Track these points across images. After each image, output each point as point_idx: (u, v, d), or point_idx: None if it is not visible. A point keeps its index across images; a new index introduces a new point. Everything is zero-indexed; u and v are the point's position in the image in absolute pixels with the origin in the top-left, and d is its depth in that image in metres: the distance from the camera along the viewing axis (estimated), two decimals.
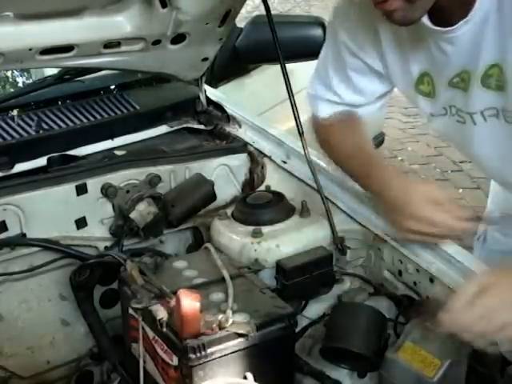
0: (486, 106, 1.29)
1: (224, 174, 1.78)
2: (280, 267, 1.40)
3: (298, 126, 1.62)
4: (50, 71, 1.93)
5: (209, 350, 1.12)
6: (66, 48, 1.49)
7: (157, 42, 1.59)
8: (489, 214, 1.78)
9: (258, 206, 1.52)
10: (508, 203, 1.65)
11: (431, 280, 1.36)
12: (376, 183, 1.41)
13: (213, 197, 1.64)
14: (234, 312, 1.17)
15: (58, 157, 1.64)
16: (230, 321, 1.15)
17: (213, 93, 1.98)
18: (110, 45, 1.55)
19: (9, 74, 2.13)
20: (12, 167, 1.59)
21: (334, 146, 1.54)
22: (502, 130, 1.31)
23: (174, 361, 1.16)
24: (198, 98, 1.92)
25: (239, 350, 1.16)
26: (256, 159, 1.80)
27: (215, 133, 1.90)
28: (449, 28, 1.21)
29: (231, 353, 1.15)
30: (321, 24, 2.39)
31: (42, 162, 1.63)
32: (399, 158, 4.56)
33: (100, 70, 1.82)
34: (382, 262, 1.49)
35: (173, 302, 1.14)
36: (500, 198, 1.74)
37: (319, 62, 1.56)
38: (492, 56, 1.21)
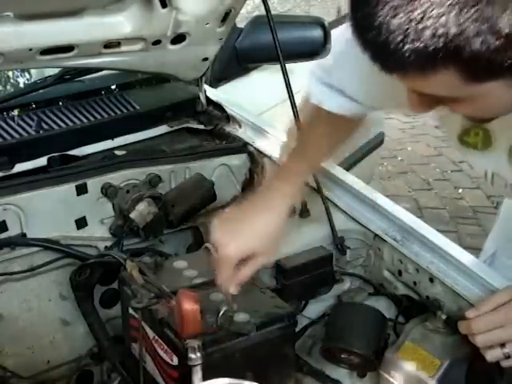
0: None
1: (224, 174, 1.78)
2: (280, 267, 1.40)
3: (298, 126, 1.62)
4: (51, 71, 1.93)
5: (209, 350, 1.12)
6: (66, 48, 1.49)
7: (157, 42, 1.58)
8: None
9: None
10: None
11: (431, 280, 1.36)
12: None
13: (213, 197, 1.64)
14: (234, 312, 1.17)
15: (57, 157, 1.64)
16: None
17: (213, 93, 1.98)
18: (110, 45, 1.55)
19: (9, 73, 2.13)
20: (12, 167, 1.59)
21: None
22: None
23: (174, 361, 1.16)
24: (198, 97, 1.91)
25: (239, 350, 1.16)
26: (256, 159, 1.80)
27: (215, 133, 1.90)
28: None
29: (231, 353, 1.15)
30: (321, 24, 2.39)
31: (42, 161, 1.63)
32: (399, 158, 4.56)
33: (100, 70, 1.82)
34: (382, 262, 1.49)
35: (173, 302, 1.14)
36: None
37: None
38: None
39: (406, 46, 0.76)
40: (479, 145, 1.22)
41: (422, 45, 0.75)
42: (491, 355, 1.10)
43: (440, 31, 0.74)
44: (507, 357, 1.09)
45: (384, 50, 0.78)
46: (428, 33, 0.74)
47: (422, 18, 0.74)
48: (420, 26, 0.75)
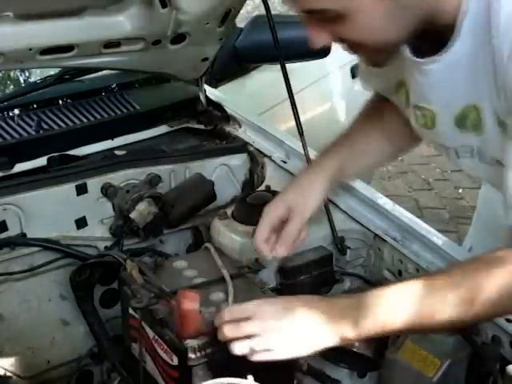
0: (461, 144, 1.19)
1: (224, 174, 1.78)
2: (280, 267, 1.40)
3: (298, 126, 1.62)
4: (51, 71, 1.93)
5: (209, 350, 1.12)
6: (66, 48, 1.49)
7: (157, 42, 1.59)
8: None
9: (258, 206, 1.51)
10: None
11: None
12: None
13: (213, 197, 1.64)
14: None
15: (57, 157, 1.64)
16: None
17: (213, 93, 1.98)
18: (110, 45, 1.55)
19: (9, 73, 2.13)
20: (12, 167, 1.60)
21: None
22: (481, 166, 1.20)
23: (174, 361, 1.16)
24: (198, 97, 1.92)
25: None
26: (256, 159, 1.80)
27: (215, 133, 1.90)
28: (420, 59, 1.10)
29: (231, 353, 1.15)
30: None
31: (42, 161, 1.63)
32: (399, 158, 4.55)
33: (100, 69, 1.82)
34: (382, 262, 1.49)
35: (173, 302, 1.14)
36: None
37: None
38: (465, 98, 1.10)
39: None
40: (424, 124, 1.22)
41: None
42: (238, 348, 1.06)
43: None
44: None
45: None
46: None
47: None
48: None
